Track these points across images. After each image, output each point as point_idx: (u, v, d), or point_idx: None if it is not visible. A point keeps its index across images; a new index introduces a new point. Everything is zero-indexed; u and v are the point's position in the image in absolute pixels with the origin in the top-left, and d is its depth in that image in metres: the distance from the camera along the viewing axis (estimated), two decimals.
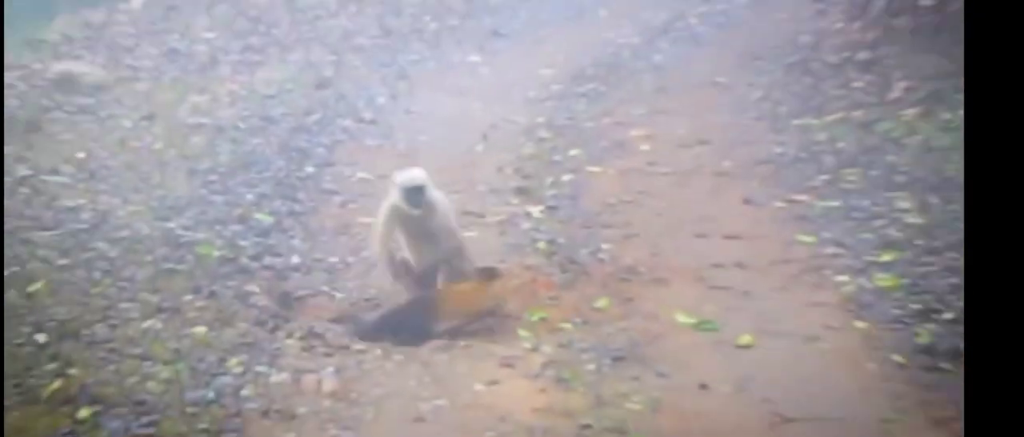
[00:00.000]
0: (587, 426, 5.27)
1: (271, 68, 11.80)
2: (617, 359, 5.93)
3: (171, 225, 7.64)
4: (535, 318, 6.45)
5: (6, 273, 6.77)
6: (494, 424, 5.30)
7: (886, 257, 6.98)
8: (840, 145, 9.00)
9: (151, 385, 5.56)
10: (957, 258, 6.78)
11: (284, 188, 8.48)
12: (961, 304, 6.26)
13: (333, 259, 7.31)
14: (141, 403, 5.39)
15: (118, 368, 5.73)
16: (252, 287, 6.77)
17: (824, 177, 8.42)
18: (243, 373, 5.73)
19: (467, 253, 6.79)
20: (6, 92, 10.46)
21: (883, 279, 6.69)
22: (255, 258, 7.22)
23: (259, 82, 11.26)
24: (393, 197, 6.47)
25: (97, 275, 6.84)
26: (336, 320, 6.56)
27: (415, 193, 6.41)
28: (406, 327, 6.37)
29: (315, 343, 6.12)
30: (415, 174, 6.49)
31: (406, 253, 6.70)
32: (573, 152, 9.37)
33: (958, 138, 8.41)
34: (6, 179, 8.31)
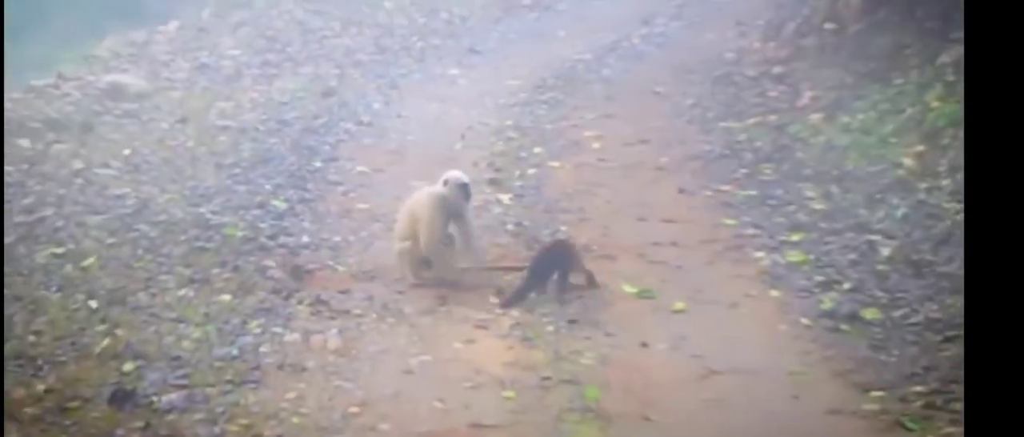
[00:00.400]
0: (547, 378, 5.29)
1: (285, 80, 11.67)
2: (572, 322, 5.93)
3: (202, 210, 7.60)
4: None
5: (62, 251, 6.77)
6: (470, 376, 5.32)
7: (795, 237, 7.01)
8: (758, 144, 9.00)
9: (185, 343, 5.60)
10: (854, 238, 6.84)
11: (296, 179, 8.40)
12: (857, 275, 6.34)
13: (337, 238, 7.24)
14: (176, 358, 5.43)
15: (157, 329, 5.75)
16: (269, 262, 6.73)
17: (744, 171, 8.42)
18: (261, 333, 5.74)
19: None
20: (64, 100, 10.39)
21: (793, 255, 6.72)
22: (272, 238, 7.17)
23: (275, 91, 11.14)
24: (443, 192, 6.40)
25: (140, 252, 6.82)
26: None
27: (467, 188, 6.44)
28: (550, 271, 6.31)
29: (321, 309, 6.09)
30: (461, 174, 6.53)
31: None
32: (536, 150, 9.32)
33: (854, 138, 8.47)
34: (63, 172, 8.26)
